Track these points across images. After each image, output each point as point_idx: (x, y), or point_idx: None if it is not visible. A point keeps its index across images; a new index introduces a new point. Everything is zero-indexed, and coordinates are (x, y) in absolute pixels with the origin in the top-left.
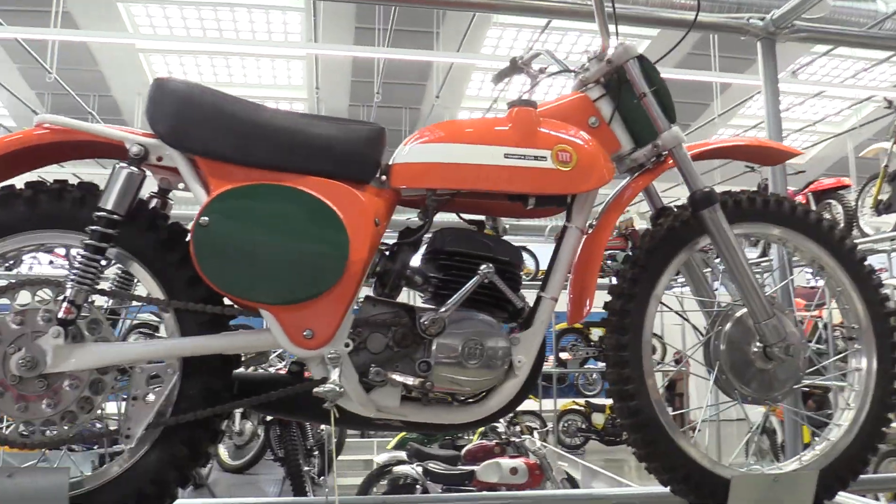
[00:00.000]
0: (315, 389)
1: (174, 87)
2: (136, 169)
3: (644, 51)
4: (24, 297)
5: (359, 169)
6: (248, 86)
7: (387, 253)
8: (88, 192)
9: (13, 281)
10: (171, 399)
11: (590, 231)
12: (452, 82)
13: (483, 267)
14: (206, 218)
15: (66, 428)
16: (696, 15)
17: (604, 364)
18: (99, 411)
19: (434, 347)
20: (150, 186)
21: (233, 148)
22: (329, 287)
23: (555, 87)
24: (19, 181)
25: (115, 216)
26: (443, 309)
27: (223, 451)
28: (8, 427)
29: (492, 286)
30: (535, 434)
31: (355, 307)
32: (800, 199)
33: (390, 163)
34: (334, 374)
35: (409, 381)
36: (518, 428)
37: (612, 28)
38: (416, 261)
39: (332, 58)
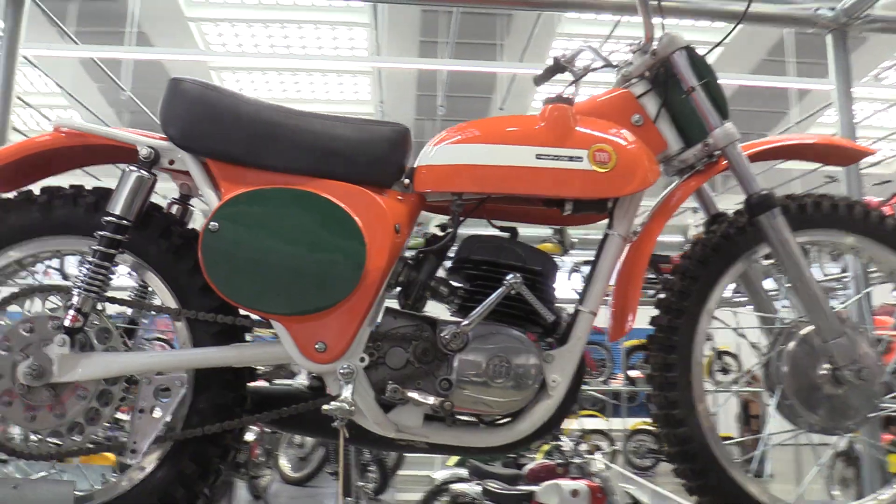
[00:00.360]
0: (324, 407)
1: (186, 88)
2: (145, 172)
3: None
4: (36, 304)
5: (379, 172)
6: (316, 101)
7: (410, 262)
8: (102, 198)
9: (24, 287)
10: (180, 413)
11: (634, 238)
12: (517, 94)
13: (509, 277)
14: (216, 223)
15: (74, 439)
16: (749, 4)
17: None
18: (106, 423)
19: (456, 364)
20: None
21: (245, 150)
22: (344, 297)
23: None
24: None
25: (124, 221)
26: (465, 322)
27: (285, 462)
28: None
29: (520, 298)
30: (600, 454)
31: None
32: (886, 209)
33: (414, 165)
34: (346, 391)
35: (429, 400)
36: (584, 447)
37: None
38: (443, 271)
39: (396, 72)
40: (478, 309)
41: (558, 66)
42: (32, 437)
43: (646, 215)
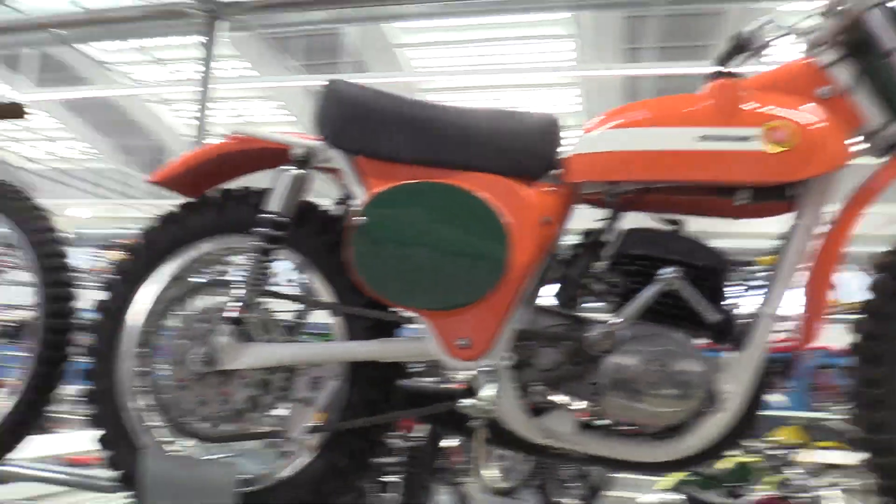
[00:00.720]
0: (458, 403)
1: (338, 89)
2: (299, 171)
3: None
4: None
5: (526, 163)
6: None
7: (564, 257)
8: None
9: (201, 282)
10: (336, 405)
11: (826, 230)
12: None
13: (667, 271)
14: (362, 218)
15: (239, 424)
16: None
17: None
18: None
19: (605, 367)
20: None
21: (394, 146)
22: (485, 293)
23: None
24: None
25: (280, 218)
26: (614, 321)
27: (492, 471)
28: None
29: (682, 296)
30: (839, 491)
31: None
32: None
33: (566, 155)
34: (486, 390)
35: (577, 405)
36: (821, 482)
37: None
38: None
39: (603, 82)
40: (628, 307)
41: (740, 43)
42: (203, 422)
43: (842, 202)
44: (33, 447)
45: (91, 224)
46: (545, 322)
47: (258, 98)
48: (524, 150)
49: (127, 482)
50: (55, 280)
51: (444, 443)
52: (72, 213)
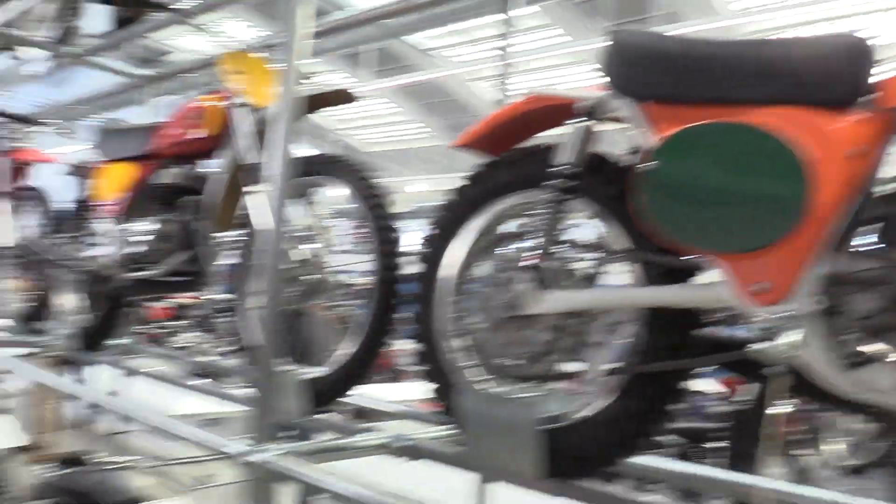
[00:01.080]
0: (749, 347)
1: (621, 39)
2: (586, 122)
3: None
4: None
5: (830, 91)
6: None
7: (883, 193)
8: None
9: (505, 233)
10: (631, 350)
11: None
12: None
13: None
14: (654, 163)
15: (542, 366)
16: None
17: None
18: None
19: None
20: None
21: (681, 88)
22: (784, 234)
23: None
24: None
25: (571, 170)
26: None
27: (833, 447)
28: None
29: None
30: None
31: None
32: None
33: (884, 78)
34: (784, 336)
35: (892, 357)
36: None
37: None
38: None
39: None
40: None
41: None
42: (510, 362)
43: None
44: (395, 392)
45: (426, 198)
46: (860, 265)
47: (575, 63)
48: (826, 76)
49: (449, 414)
50: (386, 239)
51: (777, 409)
52: (410, 189)
